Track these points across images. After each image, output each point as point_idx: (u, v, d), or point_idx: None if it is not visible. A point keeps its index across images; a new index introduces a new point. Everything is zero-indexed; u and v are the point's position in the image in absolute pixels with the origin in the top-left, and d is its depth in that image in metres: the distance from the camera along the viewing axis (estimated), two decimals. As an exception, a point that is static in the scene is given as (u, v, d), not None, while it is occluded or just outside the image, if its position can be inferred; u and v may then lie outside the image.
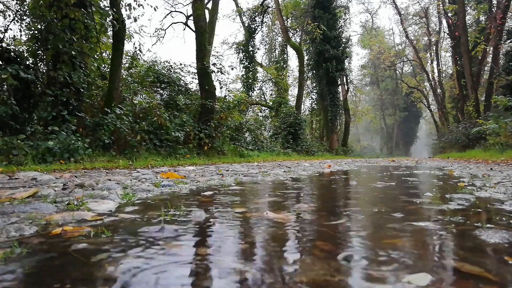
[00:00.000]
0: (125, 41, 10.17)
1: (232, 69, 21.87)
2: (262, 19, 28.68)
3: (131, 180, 3.36)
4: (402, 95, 50.27)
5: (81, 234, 1.22)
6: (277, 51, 31.39)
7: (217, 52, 19.90)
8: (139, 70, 13.24)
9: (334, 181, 3.90)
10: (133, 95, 11.34)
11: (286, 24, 26.74)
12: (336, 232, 1.31)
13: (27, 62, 7.80)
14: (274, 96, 28.34)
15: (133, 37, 17.79)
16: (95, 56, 9.86)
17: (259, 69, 29.40)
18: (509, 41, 19.78)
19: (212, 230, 1.33)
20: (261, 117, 24.28)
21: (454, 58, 27.56)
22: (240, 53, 27.72)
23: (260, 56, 33.78)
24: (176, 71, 14.41)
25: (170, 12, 22.92)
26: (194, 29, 13.79)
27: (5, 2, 9.50)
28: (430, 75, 36.60)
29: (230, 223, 1.44)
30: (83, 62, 8.24)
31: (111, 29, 9.41)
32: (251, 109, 23.49)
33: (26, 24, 8.55)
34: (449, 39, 30.44)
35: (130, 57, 13.65)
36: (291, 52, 31.90)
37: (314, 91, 30.91)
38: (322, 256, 0.98)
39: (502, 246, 1.08)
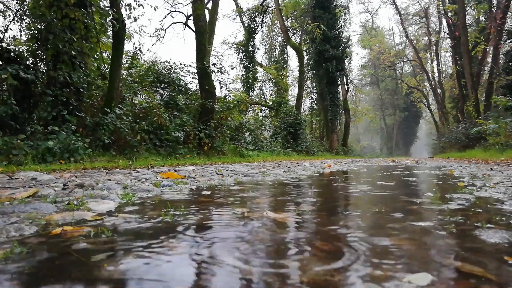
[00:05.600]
0: (125, 41, 10.16)
1: (232, 69, 21.90)
2: (262, 19, 28.68)
3: (131, 180, 3.36)
4: (402, 95, 50.27)
5: (81, 234, 1.22)
6: (277, 51, 31.40)
7: (217, 52, 19.86)
8: (139, 70, 13.23)
9: (334, 181, 3.90)
10: (133, 95, 11.35)
11: (286, 24, 26.74)
12: (336, 232, 1.31)
13: (27, 62, 7.80)
14: (274, 96, 28.35)
15: (133, 37, 17.78)
16: (95, 56, 9.86)
17: (259, 69, 29.41)
18: (509, 41, 19.77)
19: (212, 230, 1.33)
20: (261, 117, 24.29)
21: (454, 58, 27.55)
22: (240, 53, 27.72)
23: (260, 56, 33.80)
24: (176, 71, 14.40)
25: (170, 12, 22.90)
26: (194, 29, 13.79)
27: (5, 2, 9.50)
28: (430, 75, 36.62)
29: (230, 223, 1.44)
30: (83, 62, 8.24)
31: (111, 29, 9.41)
32: (251, 109, 23.48)
33: (26, 24, 8.54)
34: (449, 39, 30.44)
35: (130, 57, 13.64)
36: (291, 52, 31.94)
37: (314, 91, 30.92)
38: (322, 256, 0.98)
39: (502, 246, 1.08)
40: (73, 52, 7.75)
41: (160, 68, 13.95)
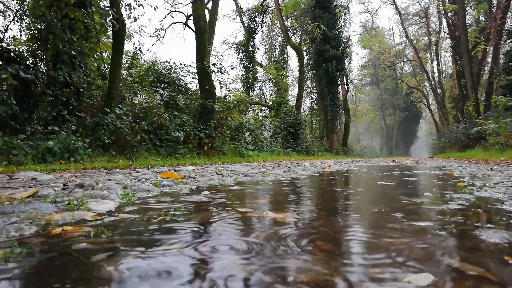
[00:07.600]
0: (125, 41, 10.16)
1: (232, 69, 21.91)
2: (262, 19, 28.69)
3: (131, 180, 3.36)
4: (402, 95, 50.27)
5: (81, 234, 1.22)
6: (277, 51, 31.41)
7: (217, 52, 19.93)
8: (139, 70, 13.24)
9: (334, 181, 3.90)
10: (133, 95, 11.34)
11: (286, 24, 26.73)
12: (336, 232, 1.31)
13: (27, 62, 7.79)
14: (274, 96, 28.36)
15: (133, 37, 17.80)
16: (95, 56, 9.86)
17: (259, 69, 29.42)
18: (509, 41, 19.77)
19: (212, 230, 1.33)
20: (261, 117, 24.28)
21: (454, 58, 27.54)
22: (240, 53, 27.73)
23: (260, 56, 33.83)
24: (176, 71, 14.42)
25: (170, 12, 22.95)
26: (194, 29, 13.80)
27: (5, 2, 9.49)
28: (430, 75, 36.60)
29: (230, 223, 1.44)
30: (83, 62, 8.24)
31: (111, 29, 9.41)
32: (251, 109, 23.48)
33: (26, 24, 8.54)
34: (449, 39, 30.41)
35: (130, 57, 13.65)
36: (291, 52, 31.96)
37: (314, 91, 30.93)
38: (322, 255, 0.98)
39: (502, 246, 1.08)
40: (73, 52, 7.75)
41: (160, 68, 13.96)
